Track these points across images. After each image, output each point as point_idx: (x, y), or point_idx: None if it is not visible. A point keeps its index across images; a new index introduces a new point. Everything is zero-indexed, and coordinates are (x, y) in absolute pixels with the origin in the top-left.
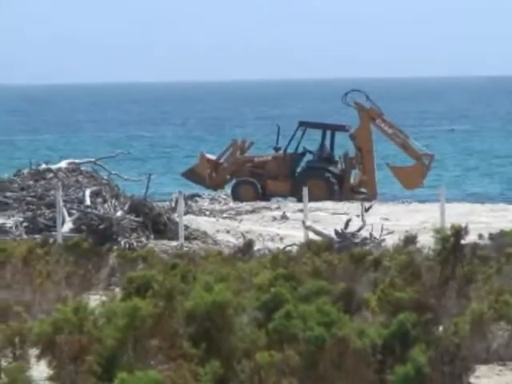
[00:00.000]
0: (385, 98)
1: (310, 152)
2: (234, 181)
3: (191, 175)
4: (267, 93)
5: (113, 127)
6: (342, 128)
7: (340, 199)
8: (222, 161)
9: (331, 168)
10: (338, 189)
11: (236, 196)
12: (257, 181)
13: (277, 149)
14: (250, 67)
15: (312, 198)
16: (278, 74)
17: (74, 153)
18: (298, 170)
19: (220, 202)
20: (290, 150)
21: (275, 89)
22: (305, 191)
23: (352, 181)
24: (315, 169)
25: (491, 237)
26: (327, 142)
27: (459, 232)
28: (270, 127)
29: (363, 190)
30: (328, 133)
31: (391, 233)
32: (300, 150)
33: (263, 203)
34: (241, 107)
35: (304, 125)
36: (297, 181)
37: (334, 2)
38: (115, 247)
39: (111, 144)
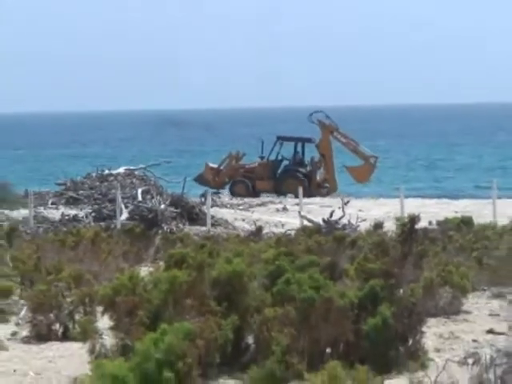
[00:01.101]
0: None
1: (286, 159)
2: (231, 181)
3: (200, 179)
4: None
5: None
6: (309, 140)
7: (309, 193)
8: (221, 168)
9: (302, 170)
10: (307, 185)
11: (233, 193)
12: (248, 181)
13: (262, 157)
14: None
15: (288, 193)
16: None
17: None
18: (278, 172)
19: (237, 198)
20: (272, 158)
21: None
22: (300, 190)
23: (318, 178)
24: (290, 171)
25: (438, 223)
26: (299, 151)
27: (414, 219)
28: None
29: (326, 185)
30: (299, 144)
31: (364, 220)
32: (279, 157)
33: (269, 199)
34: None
35: (281, 138)
36: (277, 180)
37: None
38: (160, 231)
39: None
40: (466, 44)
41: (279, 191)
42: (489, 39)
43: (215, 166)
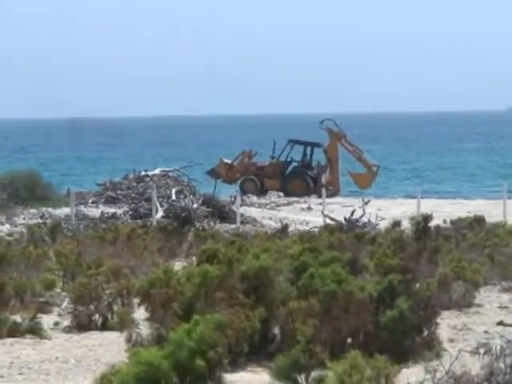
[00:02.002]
0: None
1: (295, 161)
2: (242, 179)
3: (212, 173)
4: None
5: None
6: (317, 145)
7: (314, 194)
8: (234, 164)
9: (309, 172)
10: (312, 186)
11: (242, 190)
12: (257, 179)
13: (272, 157)
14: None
15: (294, 193)
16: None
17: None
18: (287, 172)
19: (264, 198)
20: (282, 159)
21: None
22: (323, 192)
23: (323, 181)
24: (298, 172)
25: (452, 222)
26: (308, 154)
27: (427, 219)
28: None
29: (330, 188)
30: (308, 148)
31: (383, 219)
32: (288, 159)
33: (294, 199)
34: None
35: (292, 141)
36: (285, 180)
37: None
38: (192, 229)
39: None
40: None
41: (286, 191)
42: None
43: (229, 161)
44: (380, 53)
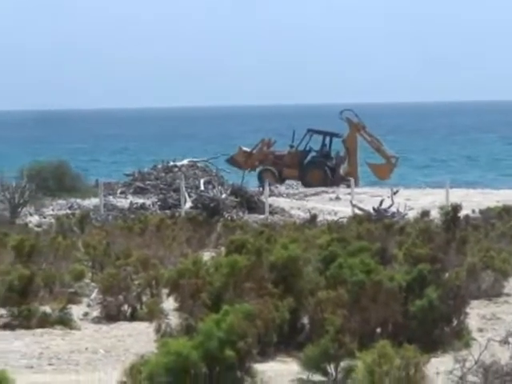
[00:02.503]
0: None
1: (314, 150)
2: (259, 168)
3: (232, 161)
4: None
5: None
6: (336, 135)
7: (331, 184)
8: (253, 152)
9: (328, 162)
10: (330, 177)
11: (260, 179)
12: (275, 168)
13: (291, 146)
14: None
15: (312, 183)
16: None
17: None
18: (305, 162)
19: (293, 188)
20: (300, 148)
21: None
22: (352, 182)
23: (341, 171)
24: (316, 162)
25: (481, 212)
26: (327, 144)
27: (456, 208)
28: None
29: (349, 178)
30: (327, 138)
31: (412, 209)
32: (307, 148)
33: (322, 189)
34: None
35: (311, 131)
36: (303, 170)
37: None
38: (221, 219)
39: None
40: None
41: (304, 180)
42: None
43: (248, 149)
44: (378, 42)
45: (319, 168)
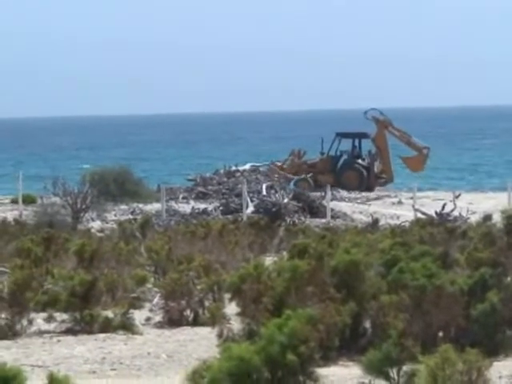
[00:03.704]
0: None
1: (345, 153)
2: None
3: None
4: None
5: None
6: (365, 135)
7: (368, 184)
8: (284, 166)
9: (361, 162)
10: (366, 176)
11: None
12: (310, 177)
13: (322, 153)
14: None
15: (348, 186)
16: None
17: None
18: (338, 166)
19: (355, 192)
20: (331, 153)
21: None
22: (413, 186)
23: (376, 170)
24: (349, 164)
25: None
26: (356, 145)
27: None
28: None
29: (383, 176)
30: (356, 139)
31: (474, 213)
32: (338, 152)
33: (385, 193)
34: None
35: (340, 135)
36: (338, 173)
37: None
38: (283, 224)
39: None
40: None
41: (341, 184)
42: None
43: (279, 163)
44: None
45: (353, 169)
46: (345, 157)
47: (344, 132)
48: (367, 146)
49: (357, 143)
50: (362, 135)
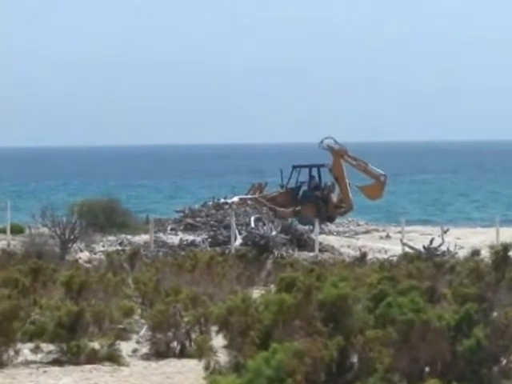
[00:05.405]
0: None
1: (304, 184)
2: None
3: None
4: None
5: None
6: (322, 165)
7: (327, 215)
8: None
9: (318, 194)
10: (323, 207)
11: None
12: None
13: (282, 186)
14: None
15: (306, 218)
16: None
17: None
18: (298, 198)
19: (343, 226)
20: (291, 186)
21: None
22: (401, 220)
23: (334, 200)
24: (307, 196)
25: None
26: (315, 176)
27: (506, 248)
28: None
29: (343, 205)
30: (314, 169)
31: (462, 248)
32: (298, 184)
33: (373, 227)
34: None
35: (296, 167)
36: (297, 206)
37: None
38: (271, 256)
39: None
40: None
41: (299, 217)
42: None
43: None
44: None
45: (310, 201)
46: (304, 188)
47: (301, 164)
48: (327, 176)
49: (315, 174)
50: (319, 165)
